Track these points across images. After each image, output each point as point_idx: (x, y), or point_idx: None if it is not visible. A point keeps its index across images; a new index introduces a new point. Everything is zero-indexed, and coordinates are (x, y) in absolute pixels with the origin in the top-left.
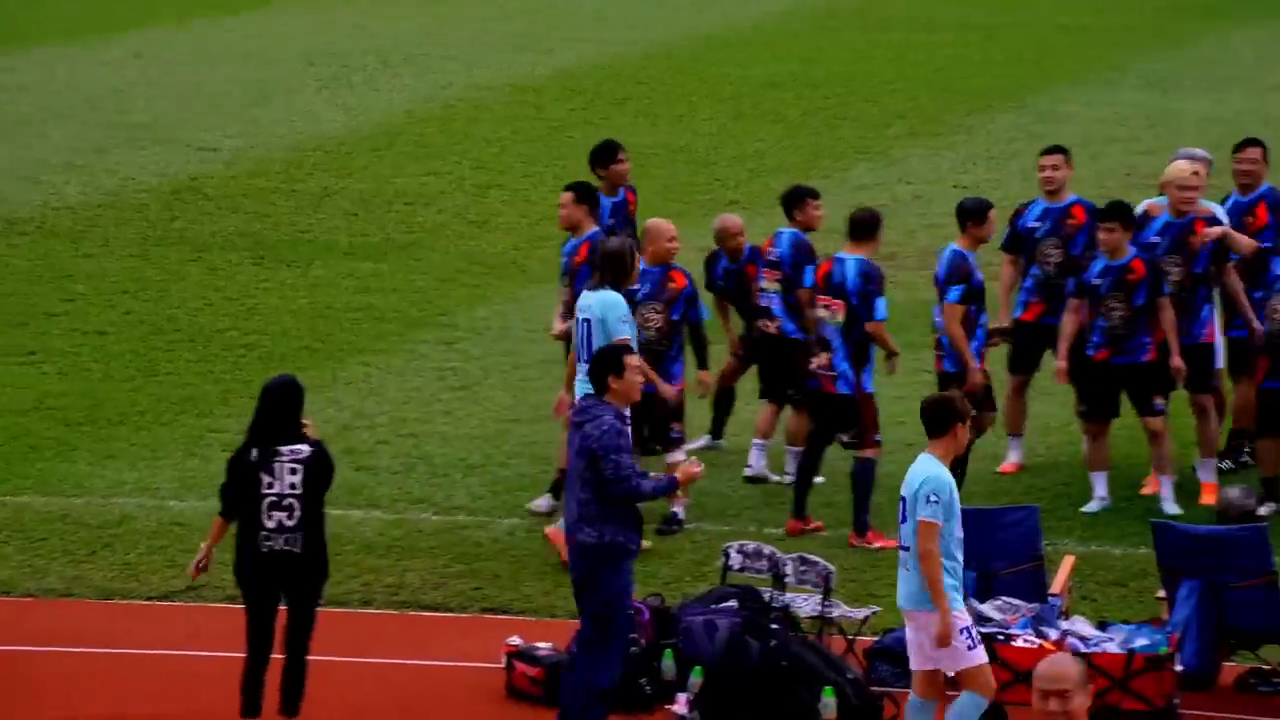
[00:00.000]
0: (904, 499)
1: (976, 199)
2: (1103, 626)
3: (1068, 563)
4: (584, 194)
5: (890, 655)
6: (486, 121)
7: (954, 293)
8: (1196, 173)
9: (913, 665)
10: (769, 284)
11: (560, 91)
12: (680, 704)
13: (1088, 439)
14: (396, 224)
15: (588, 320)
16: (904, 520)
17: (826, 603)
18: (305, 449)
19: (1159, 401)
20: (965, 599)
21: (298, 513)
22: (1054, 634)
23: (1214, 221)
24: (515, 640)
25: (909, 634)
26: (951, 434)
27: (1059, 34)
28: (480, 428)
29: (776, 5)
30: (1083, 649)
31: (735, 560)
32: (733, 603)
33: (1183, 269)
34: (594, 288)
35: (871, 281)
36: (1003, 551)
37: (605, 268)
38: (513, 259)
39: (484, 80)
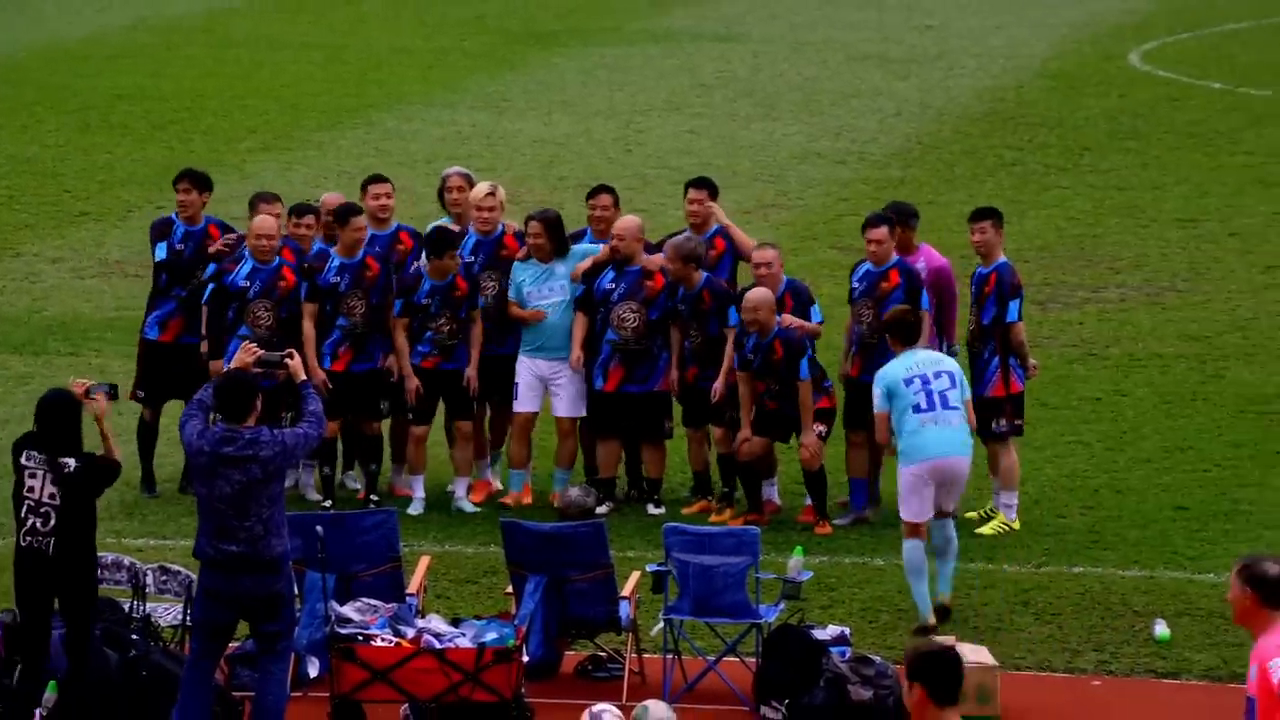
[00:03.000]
0: None
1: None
2: (456, 623)
3: (423, 563)
4: None
5: (251, 660)
6: None
7: None
8: (492, 194)
9: None
10: None
11: None
12: None
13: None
14: None
15: None
16: None
17: (189, 612)
18: (72, 462)
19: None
20: (325, 601)
21: (53, 520)
22: (411, 632)
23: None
24: None
25: None
26: None
27: (399, 56)
28: None
29: (119, 18)
30: (437, 645)
31: None
32: None
33: (496, 284)
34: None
35: None
36: (361, 554)
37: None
38: None
39: None
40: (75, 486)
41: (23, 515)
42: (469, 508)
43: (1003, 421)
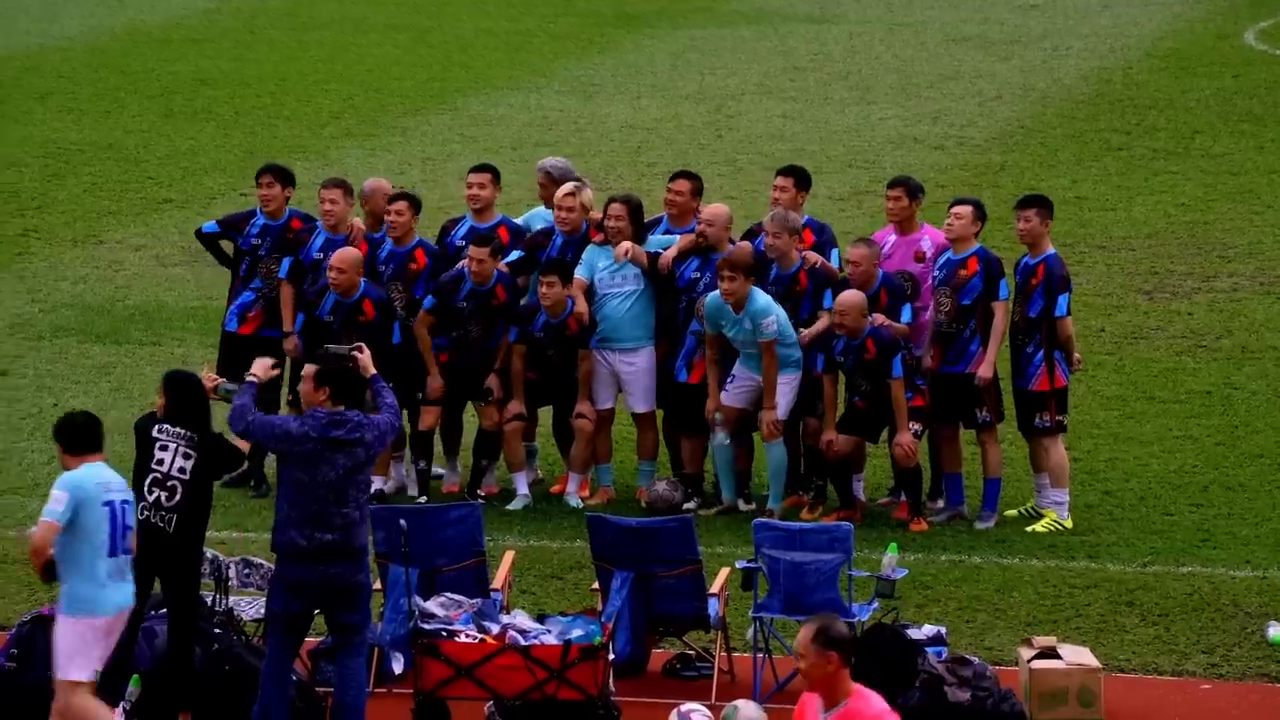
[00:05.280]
0: None
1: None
2: (541, 619)
3: (508, 558)
4: None
5: (333, 655)
6: None
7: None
8: (573, 194)
9: None
10: None
11: None
12: (118, 714)
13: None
14: None
15: None
16: None
17: None
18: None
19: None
20: (408, 596)
21: (179, 495)
22: (495, 628)
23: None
24: None
25: None
26: None
27: (485, 38)
28: None
29: (201, 2)
30: (522, 641)
31: None
32: None
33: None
34: None
35: None
36: (445, 549)
37: None
38: None
39: None
40: (207, 459)
41: (146, 489)
42: (575, 502)
43: (1046, 417)
